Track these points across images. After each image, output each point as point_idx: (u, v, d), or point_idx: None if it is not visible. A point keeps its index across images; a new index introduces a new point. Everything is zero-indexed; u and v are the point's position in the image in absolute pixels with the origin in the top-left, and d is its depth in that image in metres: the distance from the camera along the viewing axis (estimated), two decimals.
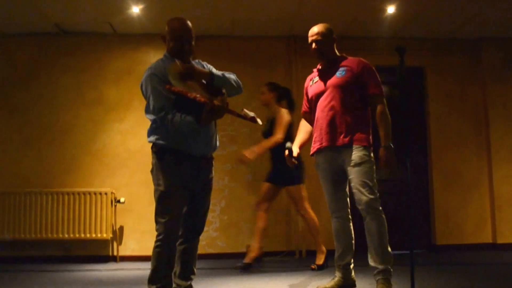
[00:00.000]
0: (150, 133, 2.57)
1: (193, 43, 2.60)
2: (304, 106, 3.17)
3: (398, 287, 2.89)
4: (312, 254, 4.85)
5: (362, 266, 3.05)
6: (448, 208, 5.28)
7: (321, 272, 3.86)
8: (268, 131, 4.07)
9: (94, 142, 5.03)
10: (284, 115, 4.03)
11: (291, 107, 4.18)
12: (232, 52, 5.28)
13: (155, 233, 2.52)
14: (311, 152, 3.06)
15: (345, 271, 2.97)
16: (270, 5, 4.57)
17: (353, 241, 3.00)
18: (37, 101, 5.04)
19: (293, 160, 3.06)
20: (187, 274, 2.66)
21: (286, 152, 3.07)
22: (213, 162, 2.73)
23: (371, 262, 2.75)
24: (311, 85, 3.11)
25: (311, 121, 3.10)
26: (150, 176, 2.63)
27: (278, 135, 3.92)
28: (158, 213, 2.49)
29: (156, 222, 2.49)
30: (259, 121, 2.63)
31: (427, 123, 5.51)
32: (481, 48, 5.50)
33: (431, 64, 5.48)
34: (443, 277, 3.57)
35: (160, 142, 2.50)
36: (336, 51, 3.05)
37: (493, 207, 5.29)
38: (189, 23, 2.60)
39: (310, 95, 3.09)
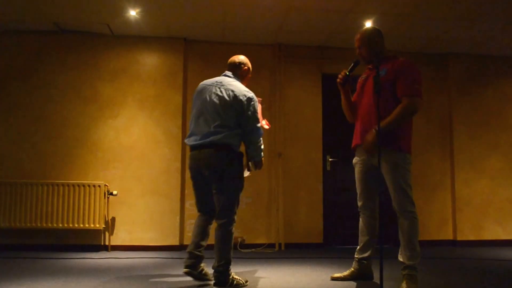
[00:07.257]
0: (234, 139, 2.86)
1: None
2: (354, 96, 3.08)
3: None
4: (290, 247, 5.01)
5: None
6: None
7: (302, 264, 3.89)
8: None
9: (89, 136, 4.89)
10: None
11: None
12: (222, 56, 5.10)
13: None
14: (352, 146, 3.01)
15: (361, 264, 3.01)
16: (258, 15, 4.57)
17: (375, 239, 2.99)
18: (35, 96, 4.86)
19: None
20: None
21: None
22: None
23: (399, 258, 2.75)
24: (359, 81, 3.05)
25: (355, 109, 3.03)
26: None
27: None
28: (236, 206, 2.85)
29: (234, 213, 2.82)
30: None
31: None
32: (448, 63, 5.61)
33: None
34: None
35: (237, 146, 2.86)
36: (385, 52, 2.92)
37: (454, 207, 5.39)
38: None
39: (357, 89, 3.04)
